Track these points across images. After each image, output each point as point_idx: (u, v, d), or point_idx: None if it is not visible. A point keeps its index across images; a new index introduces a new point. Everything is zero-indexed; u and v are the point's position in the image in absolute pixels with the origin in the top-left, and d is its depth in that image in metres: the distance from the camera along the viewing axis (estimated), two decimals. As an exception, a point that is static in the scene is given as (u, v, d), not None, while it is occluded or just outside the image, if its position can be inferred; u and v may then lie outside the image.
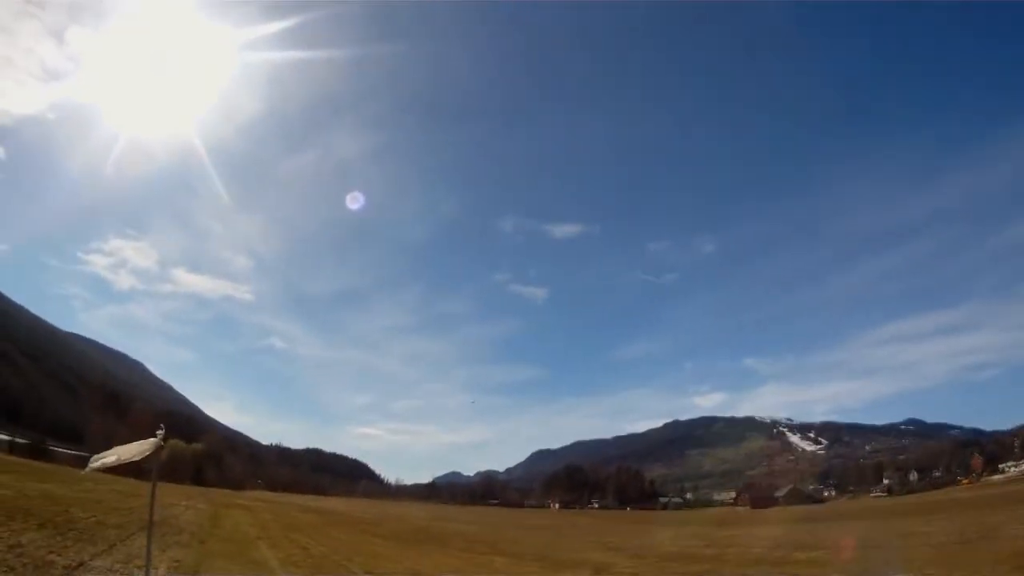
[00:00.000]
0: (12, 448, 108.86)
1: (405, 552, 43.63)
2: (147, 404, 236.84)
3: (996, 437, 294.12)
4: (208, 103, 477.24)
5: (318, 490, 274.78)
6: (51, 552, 22.77)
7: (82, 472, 14.73)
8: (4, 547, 21.96)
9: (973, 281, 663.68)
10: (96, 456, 15.19)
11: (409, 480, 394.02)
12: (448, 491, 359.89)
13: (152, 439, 14.64)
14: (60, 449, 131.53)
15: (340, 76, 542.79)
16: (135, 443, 14.95)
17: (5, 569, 18.82)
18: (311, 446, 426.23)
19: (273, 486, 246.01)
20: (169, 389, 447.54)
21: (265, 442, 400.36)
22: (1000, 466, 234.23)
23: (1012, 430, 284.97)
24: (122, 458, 14.72)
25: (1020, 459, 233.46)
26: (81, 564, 21.87)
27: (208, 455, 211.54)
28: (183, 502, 66.61)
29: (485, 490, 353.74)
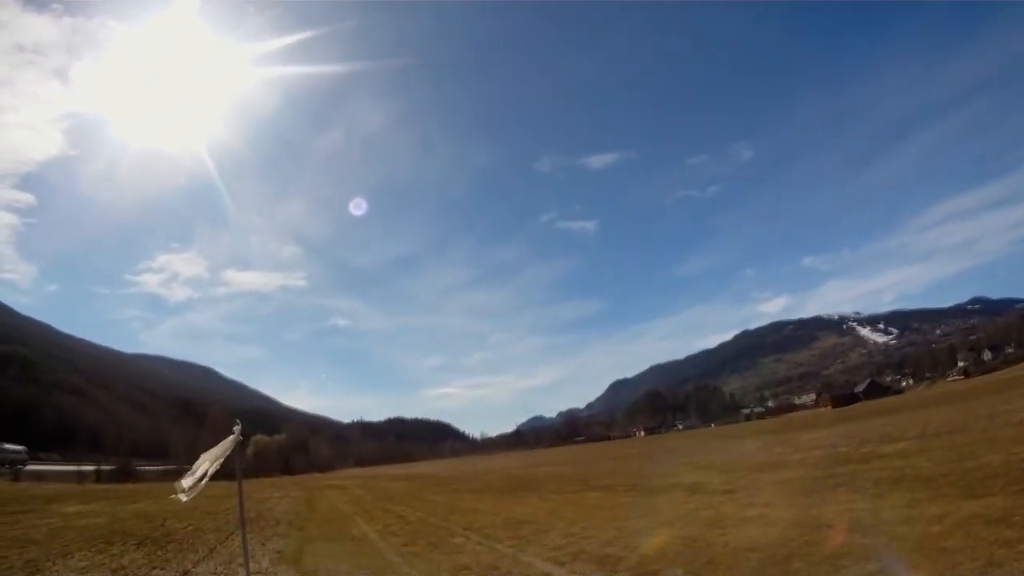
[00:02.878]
0: (99, 476, 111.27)
1: (500, 503, 44.12)
2: (222, 406, 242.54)
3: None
4: (226, 103, 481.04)
5: (406, 458, 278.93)
6: (154, 568, 23.88)
7: (181, 497, 14.45)
8: (108, 572, 23.08)
9: (1018, 149, 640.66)
10: (187, 475, 14.85)
11: (493, 432, 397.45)
12: (533, 436, 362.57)
13: (231, 436, 14.87)
14: (147, 467, 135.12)
15: (350, 48, 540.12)
16: (216, 446, 15.11)
17: (114, 592, 19.65)
18: (392, 416, 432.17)
19: (362, 462, 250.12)
20: (242, 388, 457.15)
21: (346, 420, 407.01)
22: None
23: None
24: (210, 464, 14.69)
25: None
26: (185, 573, 22.92)
27: (293, 444, 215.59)
28: (276, 494, 68.99)
29: (569, 429, 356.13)
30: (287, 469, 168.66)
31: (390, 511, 45.29)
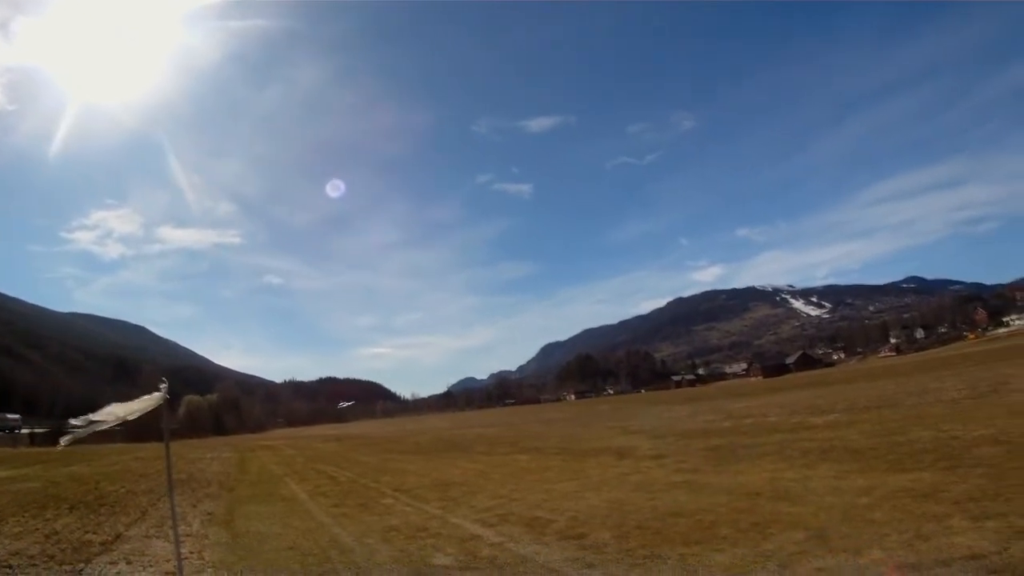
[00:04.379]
0: (33, 439, 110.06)
1: (430, 464, 44.67)
2: (155, 365, 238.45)
3: (998, 291, 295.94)
4: (165, 58, 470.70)
5: (338, 418, 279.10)
6: (87, 532, 23.60)
7: (63, 443, 13.46)
8: (41, 537, 22.69)
9: (966, 133, 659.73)
10: (81, 419, 13.47)
11: (424, 393, 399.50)
12: (464, 397, 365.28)
13: (156, 394, 14.03)
14: (81, 429, 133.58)
15: (291, 6, 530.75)
16: (136, 400, 14.08)
17: (45, 559, 19.32)
18: (324, 375, 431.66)
19: (293, 422, 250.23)
20: (175, 347, 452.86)
21: (278, 380, 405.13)
22: (1004, 319, 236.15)
23: (1013, 283, 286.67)
24: (119, 416, 13.66)
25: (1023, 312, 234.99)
26: (118, 536, 22.65)
27: (225, 404, 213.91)
28: (208, 455, 69.54)
29: (500, 391, 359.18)
30: (219, 429, 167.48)
31: (321, 472, 45.82)
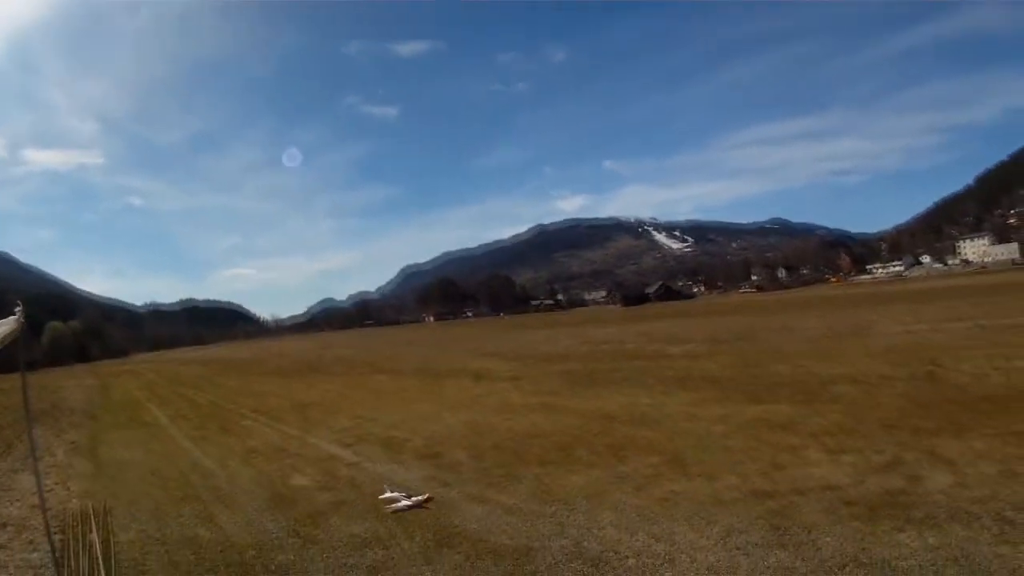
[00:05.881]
0: None
1: (290, 386, 44.76)
2: (16, 293, 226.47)
3: (863, 240, 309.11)
4: None
5: (198, 341, 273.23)
6: None
7: None
8: None
9: (843, 89, 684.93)
10: None
11: (285, 315, 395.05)
12: (324, 320, 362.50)
13: (11, 318, 13.02)
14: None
15: None
16: None
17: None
18: (184, 298, 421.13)
19: (155, 346, 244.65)
20: (37, 273, 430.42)
21: (140, 304, 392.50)
22: (867, 267, 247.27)
23: (879, 233, 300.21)
24: None
25: (887, 262, 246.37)
26: None
27: (87, 331, 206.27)
28: (71, 383, 68.50)
29: (360, 313, 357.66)
30: (82, 356, 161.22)
31: (182, 396, 45.77)
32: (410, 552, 12.21)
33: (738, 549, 10.97)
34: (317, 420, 28.20)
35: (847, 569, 9.76)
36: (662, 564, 10.73)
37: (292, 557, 12.40)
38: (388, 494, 14.92)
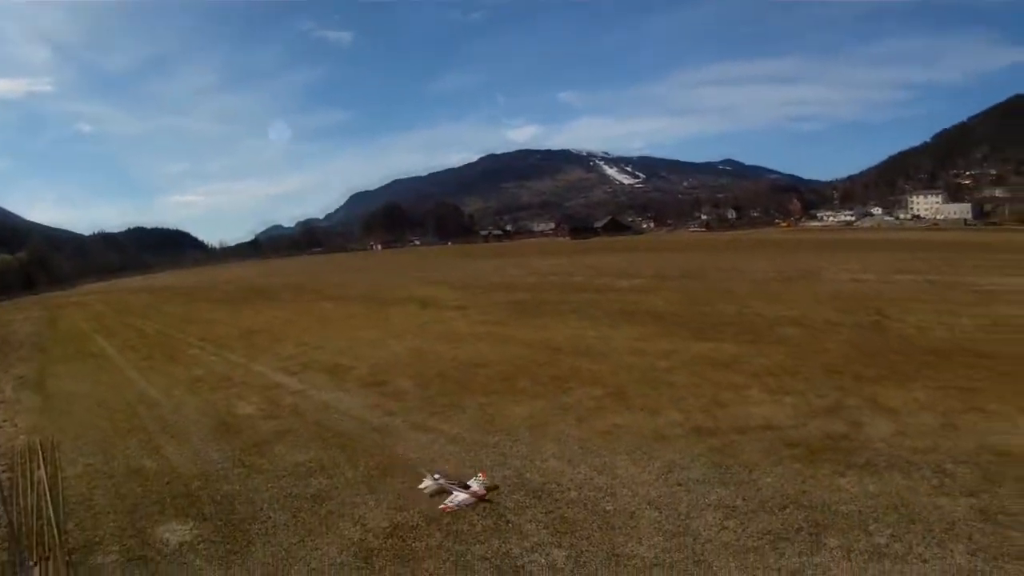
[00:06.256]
0: None
1: (237, 314, 44.58)
2: None
3: (814, 187, 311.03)
4: None
5: (146, 269, 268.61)
6: None
7: None
8: None
9: (809, 36, 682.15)
10: None
11: (232, 241, 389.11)
12: (272, 246, 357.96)
13: None
14: None
15: None
16: None
17: None
18: (132, 225, 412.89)
19: (103, 275, 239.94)
20: None
21: (88, 232, 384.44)
22: (818, 214, 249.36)
23: (831, 182, 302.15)
24: None
25: (839, 210, 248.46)
26: None
27: (34, 261, 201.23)
28: (18, 315, 66.68)
29: (307, 239, 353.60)
30: (30, 288, 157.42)
31: (130, 325, 45.11)
32: (353, 480, 12.15)
33: (679, 485, 11.07)
34: (263, 347, 28.10)
35: (787, 510, 9.87)
36: (603, 497, 10.78)
37: (237, 487, 12.32)
38: (430, 482, 11.96)
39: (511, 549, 9.30)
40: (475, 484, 11.41)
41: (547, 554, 9.04)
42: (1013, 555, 8.42)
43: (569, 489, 11.04)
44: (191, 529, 10.82)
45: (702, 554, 8.81)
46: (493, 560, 8.99)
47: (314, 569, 9.12)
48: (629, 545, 9.15)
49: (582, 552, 9.06)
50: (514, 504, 10.63)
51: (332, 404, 17.04)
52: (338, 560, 9.33)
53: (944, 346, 21.24)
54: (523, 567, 8.77)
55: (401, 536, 9.97)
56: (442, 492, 11.46)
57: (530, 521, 10.13)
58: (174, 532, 10.77)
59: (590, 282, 47.74)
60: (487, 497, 11.09)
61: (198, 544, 10.29)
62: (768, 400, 15.59)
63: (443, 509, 10.81)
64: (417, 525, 10.28)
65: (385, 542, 9.79)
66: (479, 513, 10.52)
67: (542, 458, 12.46)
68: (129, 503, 12.01)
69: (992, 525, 9.25)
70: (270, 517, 11.00)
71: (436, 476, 11.89)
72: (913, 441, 12.54)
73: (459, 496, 11.14)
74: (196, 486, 12.45)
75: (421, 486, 11.71)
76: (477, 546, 9.45)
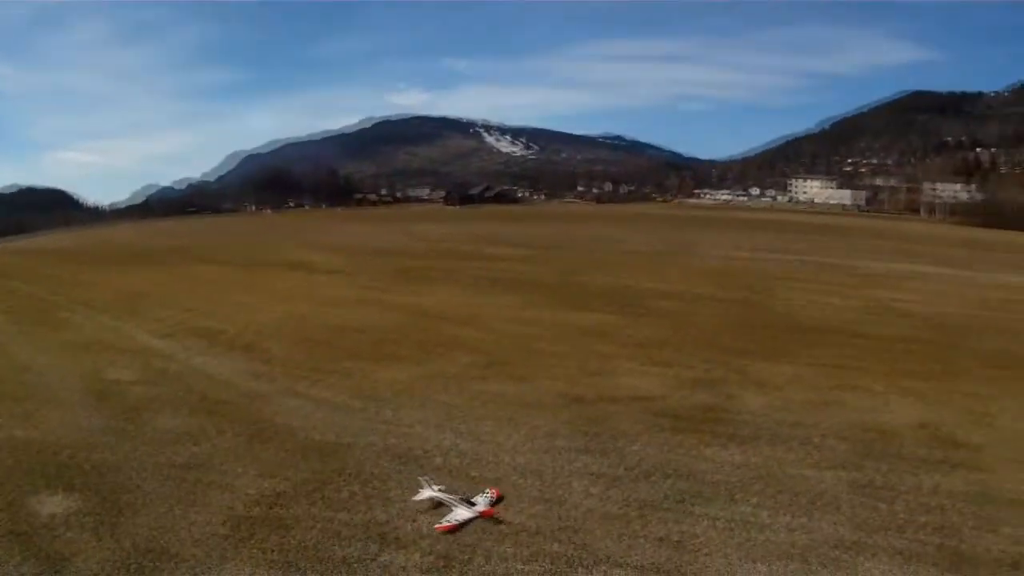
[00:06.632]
0: None
1: (117, 275, 42.71)
2: None
3: (698, 165, 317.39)
4: None
5: (24, 229, 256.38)
6: None
7: None
8: None
9: (705, 18, 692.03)
10: None
11: (124, 203, 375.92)
12: (158, 206, 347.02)
13: None
14: None
15: None
16: None
17: None
18: (8, 184, 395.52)
19: None
20: None
21: None
22: (700, 192, 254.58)
23: (712, 161, 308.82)
24: None
25: (717, 188, 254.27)
26: None
27: None
28: None
29: (192, 201, 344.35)
30: None
31: (2, 287, 42.21)
32: (224, 447, 11.75)
33: (547, 452, 11.01)
34: (142, 310, 26.89)
35: (652, 478, 9.91)
36: (469, 463, 10.63)
37: (108, 456, 11.71)
38: (429, 492, 9.92)
39: (377, 516, 9.05)
40: (481, 501, 9.66)
41: (414, 520, 8.84)
42: (880, 526, 8.67)
43: (435, 455, 10.88)
44: (63, 500, 10.22)
45: (569, 520, 8.74)
46: (360, 527, 8.74)
47: (186, 539, 8.71)
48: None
49: (420, 510, 8.92)
50: (380, 471, 10.38)
51: (206, 369, 16.50)
52: (210, 530, 8.93)
53: (815, 324, 21.99)
54: (390, 533, 8.54)
55: (272, 504, 9.62)
56: (440, 506, 9.59)
57: (396, 487, 9.89)
58: (46, 504, 10.14)
59: (470, 249, 47.82)
60: (496, 515, 9.28)
61: (71, 516, 9.71)
62: (639, 370, 15.79)
63: (439, 529, 9.00)
64: (285, 493, 9.94)
65: (254, 510, 9.43)
66: (345, 479, 10.24)
67: (409, 424, 12.28)
68: (-1, 476, 11.32)
69: (861, 497, 9.53)
70: (144, 487, 10.48)
71: (437, 487, 10.02)
72: (783, 414, 12.87)
73: (462, 514, 9.33)
74: (67, 455, 11.77)
75: (416, 497, 9.87)
76: (344, 513, 9.17)
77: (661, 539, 8.22)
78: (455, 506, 9.44)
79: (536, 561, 7.85)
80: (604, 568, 7.69)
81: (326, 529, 8.75)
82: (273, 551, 8.17)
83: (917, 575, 7.62)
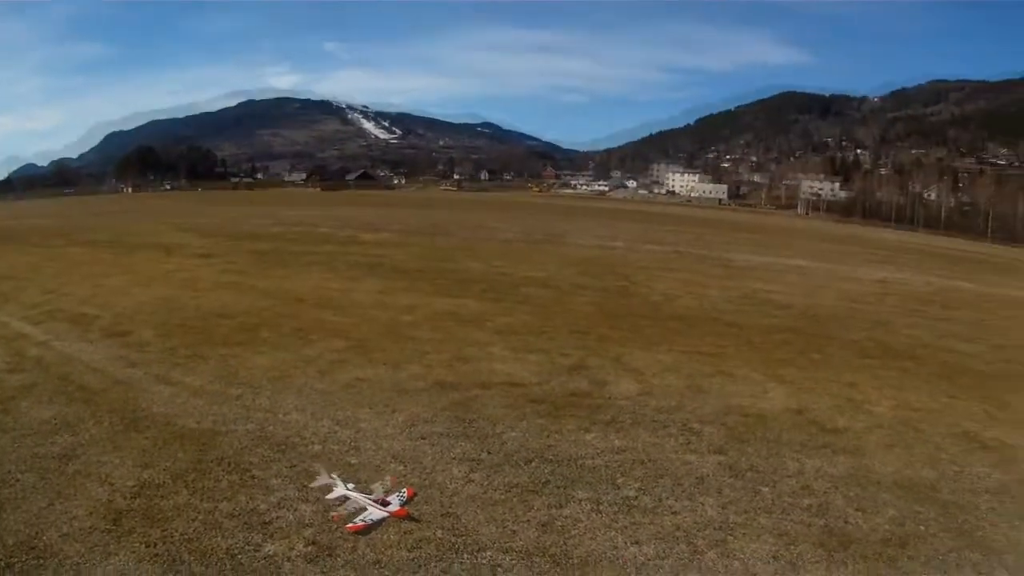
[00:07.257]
0: None
1: None
2: None
3: (571, 155, 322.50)
4: None
5: None
6: None
7: None
8: None
9: (585, 13, 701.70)
10: None
11: None
12: (21, 184, 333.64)
13: None
14: None
15: None
16: None
17: None
18: None
19: None
20: None
21: None
22: (572, 182, 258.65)
23: (586, 151, 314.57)
24: None
25: (593, 179, 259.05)
26: None
27: None
28: None
29: (57, 179, 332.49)
30: None
31: None
32: (98, 437, 11.31)
33: (423, 439, 10.97)
34: (6, 294, 25.42)
35: (533, 464, 9.98)
36: (348, 451, 10.53)
37: None
38: (336, 487, 9.34)
39: (258, 505, 8.90)
40: (395, 500, 9.04)
41: (295, 510, 8.71)
42: (763, 508, 8.93)
43: (312, 443, 10.70)
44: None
45: (450, 507, 8.69)
46: (241, 517, 8.57)
47: (65, 534, 8.37)
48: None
49: (330, 507, 8.82)
50: (259, 459, 10.19)
51: (76, 356, 15.78)
52: (91, 524, 8.61)
53: (690, 314, 22.54)
54: (271, 523, 8.42)
55: (148, 495, 9.27)
56: (345, 500, 9.01)
57: (275, 476, 9.70)
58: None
59: (336, 234, 47.26)
60: (410, 515, 8.72)
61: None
62: (512, 357, 15.85)
63: (351, 529, 8.35)
64: (164, 483, 9.63)
65: (133, 502, 9.06)
66: (224, 468, 10.02)
67: (285, 411, 12.04)
68: None
69: (741, 480, 9.79)
70: (18, 479, 9.96)
71: (344, 482, 9.33)
72: (659, 401, 13.08)
73: (374, 513, 8.73)
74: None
75: (314, 484, 9.34)
76: (224, 503, 8.91)
77: (545, 524, 8.23)
78: (369, 505, 8.96)
79: (420, 548, 7.74)
80: (489, 554, 7.67)
81: (207, 520, 8.47)
82: (156, 544, 7.86)
83: (803, 555, 7.84)
